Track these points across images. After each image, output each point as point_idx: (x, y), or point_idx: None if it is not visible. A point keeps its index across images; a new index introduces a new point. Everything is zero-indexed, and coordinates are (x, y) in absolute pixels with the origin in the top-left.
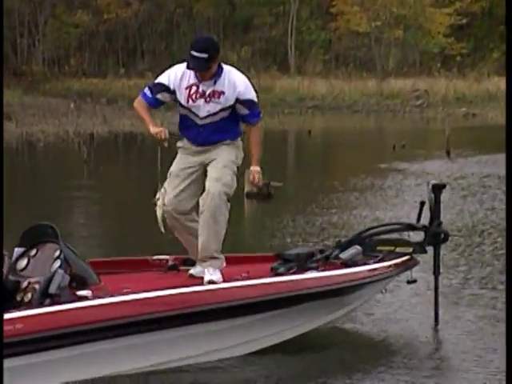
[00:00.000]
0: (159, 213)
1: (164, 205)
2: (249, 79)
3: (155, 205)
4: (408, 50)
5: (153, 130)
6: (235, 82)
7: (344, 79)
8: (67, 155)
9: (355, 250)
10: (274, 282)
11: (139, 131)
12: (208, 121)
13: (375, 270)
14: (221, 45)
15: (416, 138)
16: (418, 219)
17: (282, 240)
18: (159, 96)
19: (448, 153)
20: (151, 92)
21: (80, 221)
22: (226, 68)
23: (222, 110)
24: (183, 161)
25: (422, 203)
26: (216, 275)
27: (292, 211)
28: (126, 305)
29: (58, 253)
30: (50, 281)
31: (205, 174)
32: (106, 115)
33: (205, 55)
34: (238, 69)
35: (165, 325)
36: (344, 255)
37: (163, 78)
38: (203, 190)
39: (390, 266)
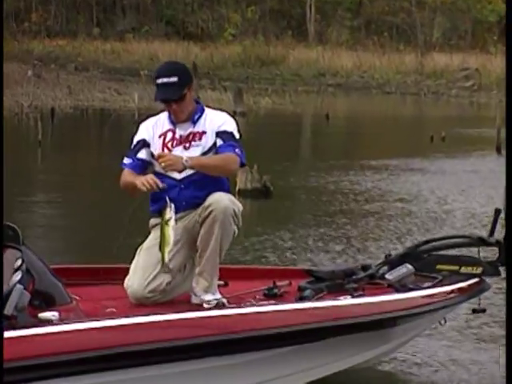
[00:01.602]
0: (171, 234)
1: (129, 286)
2: (237, 124)
3: (166, 224)
4: (458, 18)
5: (138, 180)
6: (216, 118)
7: (375, 52)
8: (19, 135)
9: (405, 269)
10: (294, 310)
11: (113, 107)
12: (190, 172)
13: (432, 296)
14: (222, 2)
15: (461, 129)
16: (492, 232)
17: (274, 252)
18: (141, 155)
19: (498, 149)
20: (130, 156)
21: (32, 221)
22: (208, 109)
23: (203, 154)
24: (159, 231)
25: (498, 212)
26: (218, 294)
27: (294, 213)
28: (109, 332)
29: (19, 262)
30: (6, 299)
31: (191, 246)
32: (72, 86)
33: (174, 78)
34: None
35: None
36: (391, 275)
37: (139, 134)
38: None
39: (452, 291)
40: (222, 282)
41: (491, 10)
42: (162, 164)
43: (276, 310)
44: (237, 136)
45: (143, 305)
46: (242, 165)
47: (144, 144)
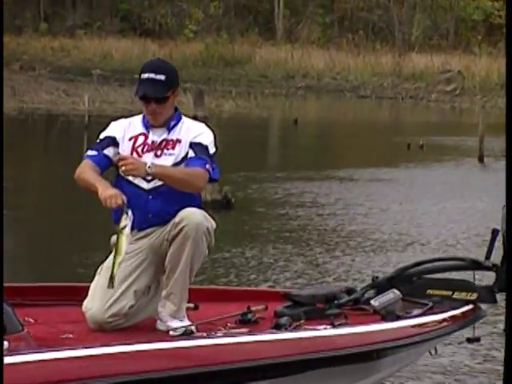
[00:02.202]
0: (124, 244)
1: (88, 310)
2: (214, 136)
3: (120, 233)
4: (439, 15)
5: (103, 193)
6: (193, 128)
7: (349, 51)
8: None
9: (392, 294)
10: (269, 341)
11: (61, 110)
12: (159, 183)
13: (422, 325)
14: None
15: (441, 137)
16: (488, 255)
17: (233, 270)
18: (107, 152)
19: (481, 158)
20: (96, 149)
21: None
22: (186, 118)
23: (175, 165)
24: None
25: (495, 232)
26: (186, 321)
27: (255, 227)
28: (60, 364)
29: None
30: None
31: (158, 266)
32: (16, 86)
33: (161, 77)
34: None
35: None
36: (377, 302)
37: (109, 130)
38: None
39: (444, 319)
40: (191, 305)
41: (476, 7)
42: (123, 167)
43: (249, 341)
44: (211, 150)
45: (103, 330)
46: (213, 180)
47: (113, 142)
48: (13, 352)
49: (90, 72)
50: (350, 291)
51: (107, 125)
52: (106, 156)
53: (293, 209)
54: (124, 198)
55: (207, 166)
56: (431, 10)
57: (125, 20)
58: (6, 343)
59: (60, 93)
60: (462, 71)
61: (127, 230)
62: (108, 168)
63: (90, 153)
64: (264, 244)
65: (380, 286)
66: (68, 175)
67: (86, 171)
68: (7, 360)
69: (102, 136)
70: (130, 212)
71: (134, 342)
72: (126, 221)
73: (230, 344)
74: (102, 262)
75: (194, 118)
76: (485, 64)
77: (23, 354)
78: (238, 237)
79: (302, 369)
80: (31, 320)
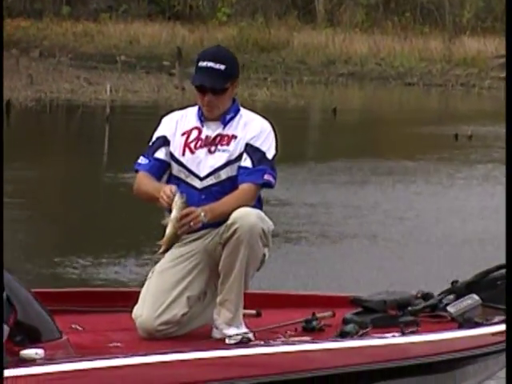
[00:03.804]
0: (169, 231)
1: (138, 317)
2: (276, 135)
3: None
4: None
5: (158, 192)
6: (251, 124)
7: (395, 35)
8: None
9: (470, 300)
10: (330, 350)
11: (82, 100)
12: (212, 181)
13: (504, 333)
14: None
15: (492, 127)
16: None
17: None
18: (159, 154)
19: None
20: (147, 155)
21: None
22: (244, 110)
23: (229, 163)
24: (175, 250)
25: None
26: (243, 328)
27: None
28: (102, 373)
29: None
30: None
31: (213, 270)
32: (34, 75)
33: (221, 66)
34: (266, 118)
35: None
36: (454, 308)
37: (160, 129)
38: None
39: None
40: (253, 312)
41: None
42: (183, 228)
43: (309, 350)
44: (270, 155)
45: (154, 338)
46: (269, 186)
47: (164, 142)
48: (48, 360)
49: (114, 59)
50: (426, 297)
51: (159, 122)
52: (159, 160)
53: (317, 210)
54: (174, 188)
55: (265, 176)
56: None
57: (153, 2)
58: (41, 351)
59: (81, 81)
60: None
61: (180, 195)
62: (165, 172)
63: (142, 161)
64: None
65: (459, 291)
66: (86, 171)
67: (142, 184)
68: (42, 369)
69: (154, 137)
70: (184, 195)
71: (185, 350)
72: (180, 196)
73: (288, 353)
74: (154, 266)
75: None
76: None
77: (59, 362)
78: None
79: (368, 380)
80: (79, 327)
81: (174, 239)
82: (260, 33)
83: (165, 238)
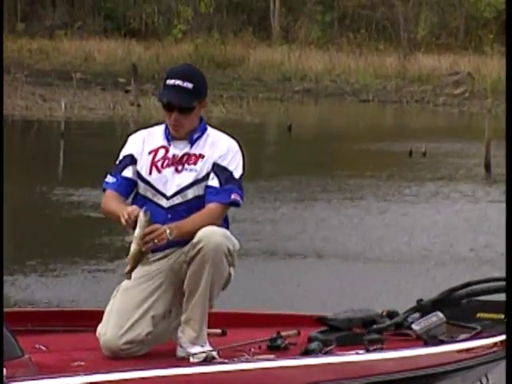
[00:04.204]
0: (133, 249)
1: (102, 335)
2: (242, 153)
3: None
4: (447, 12)
5: (121, 216)
6: (219, 144)
7: (350, 52)
8: None
9: (435, 317)
10: (291, 367)
11: (36, 117)
12: (178, 200)
13: (469, 350)
14: None
15: (447, 143)
16: None
17: None
18: (126, 173)
19: (487, 167)
20: (115, 174)
21: None
22: (211, 129)
23: (196, 182)
24: (140, 269)
25: None
26: (207, 347)
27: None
28: None
29: None
30: None
31: (178, 289)
32: None
33: (189, 85)
34: (232, 137)
35: None
36: (418, 326)
37: (126, 147)
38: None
39: (494, 344)
40: (218, 331)
41: (487, 3)
42: (148, 245)
43: (271, 367)
44: (237, 174)
45: (118, 357)
46: (236, 205)
47: (131, 160)
48: (9, 379)
49: (69, 76)
50: (391, 315)
51: (125, 140)
52: (126, 178)
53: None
54: (139, 212)
55: (232, 196)
56: (439, 6)
57: (108, 19)
58: (3, 370)
59: (36, 98)
60: (471, 73)
61: (144, 213)
62: (132, 190)
63: (109, 179)
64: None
65: (425, 309)
66: (41, 187)
67: (107, 204)
68: None
69: (121, 155)
70: (148, 212)
71: (147, 367)
72: (144, 213)
73: (251, 370)
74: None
75: None
76: (497, 65)
77: (19, 380)
78: None
79: None
80: (42, 347)
81: (139, 256)
82: (216, 49)
83: (129, 256)
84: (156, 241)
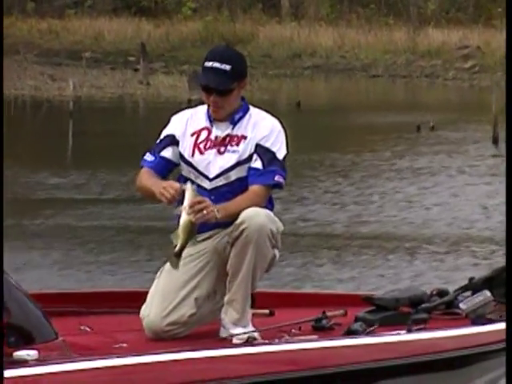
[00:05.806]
0: (183, 220)
1: (145, 316)
2: (285, 133)
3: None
4: None
5: (156, 190)
6: (261, 124)
7: (360, 28)
8: None
9: (482, 296)
10: (332, 348)
11: (45, 96)
12: (221, 182)
13: None
14: None
15: (455, 117)
16: None
17: None
18: (166, 153)
19: (496, 140)
20: (154, 152)
21: None
22: (254, 109)
23: (239, 163)
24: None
25: None
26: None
27: None
28: (95, 374)
29: None
30: None
31: (222, 270)
32: None
33: (227, 67)
34: (275, 116)
35: None
36: (466, 304)
37: (169, 127)
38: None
39: None
40: (266, 311)
41: None
42: (193, 215)
43: (313, 348)
44: (281, 155)
45: (160, 339)
46: (279, 187)
47: (172, 141)
48: (41, 362)
49: (79, 55)
50: (441, 294)
51: (168, 120)
52: (164, 158)
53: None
54: (178, 186)
55: (276, 177)
56: None
57: None
58: (35, 352)
59: (45, 78)
60: (481, 47)
61: (191, 184)
62: (170, 171)
63: (148, 157)
64: None
65: (475, 288)
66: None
67: (143, 179)
68: (32, 370)
69: (162, 134)
70: (194, 185)
71: (188, 348)
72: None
73: (291, 351)
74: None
75: (189, 101)
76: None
77: (50, 363)
78: None
79: (373, 377)
80: (87, 329)
81: (190, 227)
82: (225, 27)
83: (180, 228)
84: (205, 212)
